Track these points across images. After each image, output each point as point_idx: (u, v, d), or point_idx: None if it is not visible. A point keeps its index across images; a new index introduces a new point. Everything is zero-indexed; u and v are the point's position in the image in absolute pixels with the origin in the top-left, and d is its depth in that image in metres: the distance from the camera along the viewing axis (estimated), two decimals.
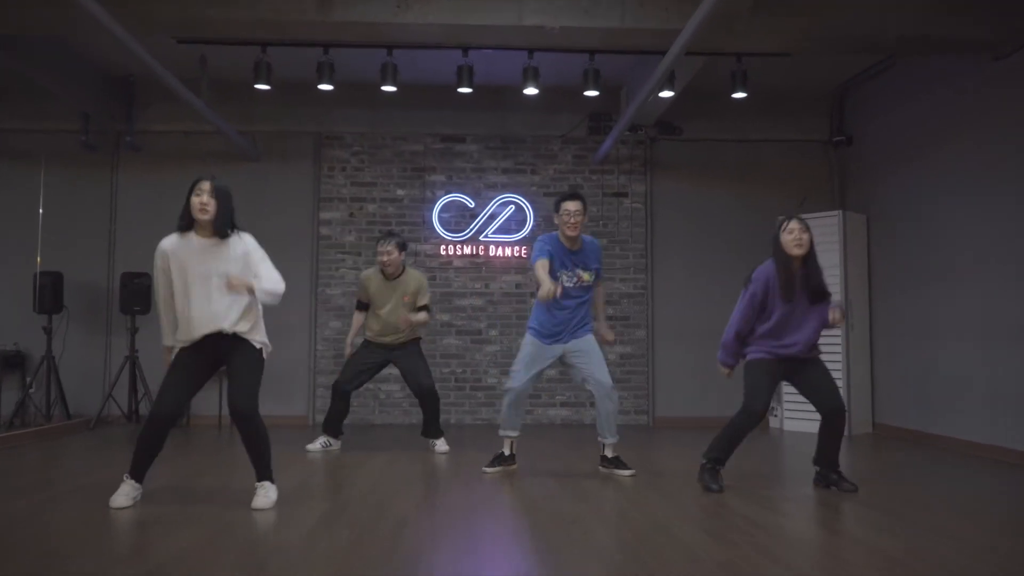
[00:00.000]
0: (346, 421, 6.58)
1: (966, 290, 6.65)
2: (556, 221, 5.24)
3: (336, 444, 6.39)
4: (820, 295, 4.73)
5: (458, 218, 8.75)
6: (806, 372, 4.80)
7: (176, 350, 4.21)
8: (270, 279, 4.18)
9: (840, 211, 8.04)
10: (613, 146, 8.36)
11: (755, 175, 8.78)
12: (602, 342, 5.32)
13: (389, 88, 6.84)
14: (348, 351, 6.47)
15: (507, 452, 5.35)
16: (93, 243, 8.53)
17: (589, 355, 5.20)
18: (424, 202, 8.76)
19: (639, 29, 5.89)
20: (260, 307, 4.29)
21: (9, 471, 5.39)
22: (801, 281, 4.68)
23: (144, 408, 8.14)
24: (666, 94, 7.11)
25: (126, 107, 8.48)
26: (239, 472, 5.10)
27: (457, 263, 8.73)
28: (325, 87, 6.89)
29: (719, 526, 3.84)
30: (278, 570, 3.06)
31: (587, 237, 5.32)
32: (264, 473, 4.24)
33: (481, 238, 8.70)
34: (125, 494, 4.14)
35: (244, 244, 4.20)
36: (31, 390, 7.89)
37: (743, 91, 6.83)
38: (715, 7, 5.12)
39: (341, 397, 6.32)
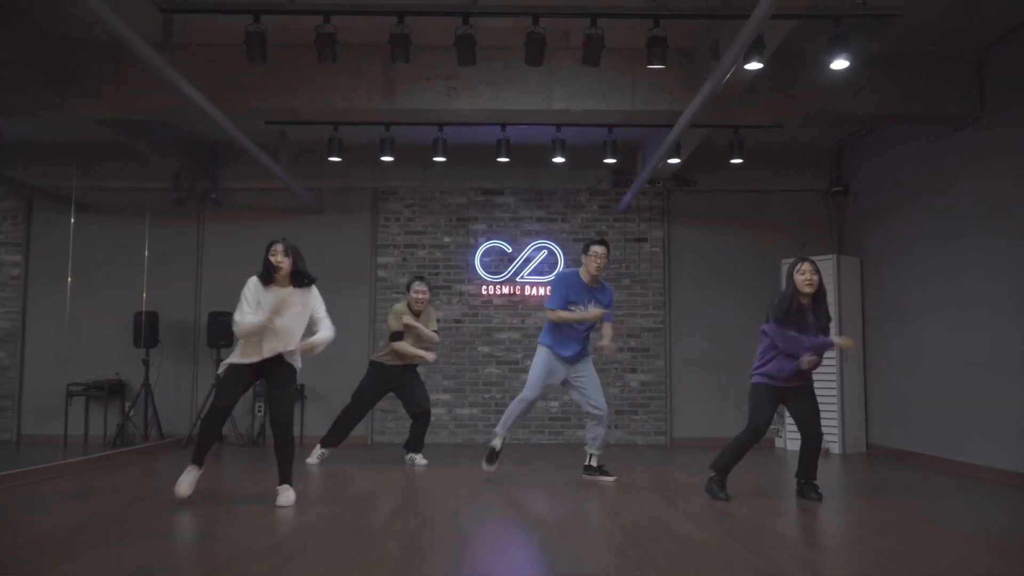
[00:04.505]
0: (387, 440, 7.75)
1: (943, 325, 7.64)
2: (584, 260, 6.32)
3: (327, 454, 7.62)
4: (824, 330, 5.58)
5: (497, 262, 9.95)
6: (801, 400, 5.68)
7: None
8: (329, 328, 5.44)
9: (835, 255, 9.09)
10: (634, 197, 9.49)
11: (761, 222, 9.84)
12: (600, 346, 6.33)
13: (440, 159, 8.08)
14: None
15: (498, 449, 6.37)
16: (183, 286, 9.85)
17: (590, 381, 6.27)
18: (467, 248, 9.97)
19: (648, 111, 7.05)
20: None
21: (133, 480, 6.64)
22: (809, 315, 5.52)
23: (227, 429, 9.40)
24: (673, 161, 8.26)
25: (211, 168, 9.82)
26: (305, 479, 6.29)
27: (496, 301, 9.91)
28: (387, 159, 8.16)
29: (699, 516, 4.93)
30: (367, 543, 4.21)
31: (605, 283, 6.46)
32: (288, 477, 5.35)
33: (518, 279, 9.89)
34: (188, 483, 5.26)
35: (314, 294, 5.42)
36: (130, 414, 9.23)
37: (740, 157, 7.99)
38: (712, 92, 6.22)
39: (351, 417, 7.63)
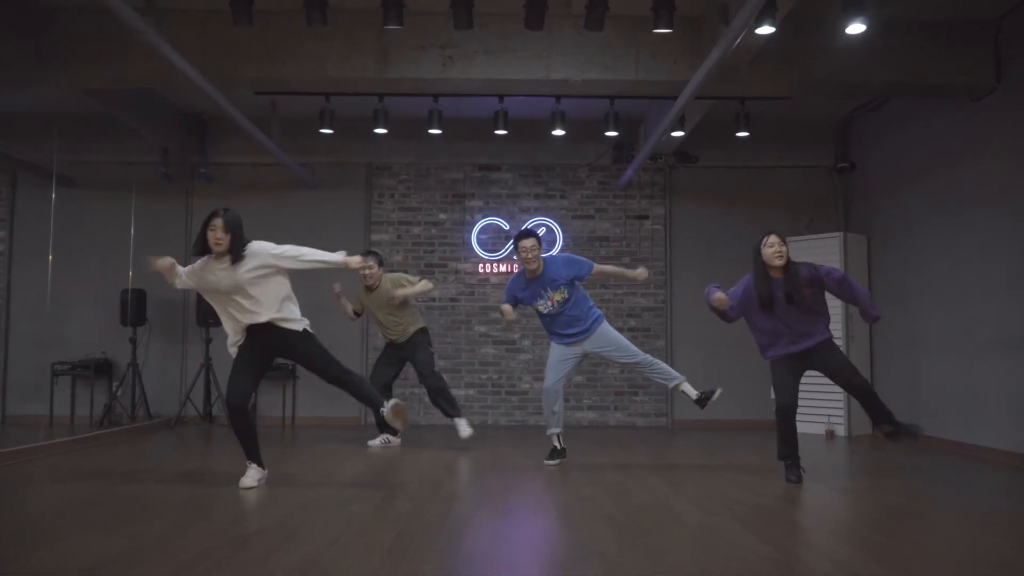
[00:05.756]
0: None
1: (951, 305, 7.43)
2: (516, 258, 6.21)
3: (396, 440, 7.32)
4: (801, 295, 5.29)
5: (494, 239, 9.70)
6: (825, 360, 5.36)
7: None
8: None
9: (841, 233, 8.85)
10: (635, 173, 9.25)
11: (765, 199, 9.59)
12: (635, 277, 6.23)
13: (435, 131, 7.80)
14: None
15: (559, 446, 6.24)
16: None
17: (611, 343, 6.10)
18: (464, 225, 9.72)
19: (652, 80, 6.78)
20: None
21: (120, 461, 6.42)
22: (783, 286, 5.28)
23: (217, 410, 9.19)
24: (677, 134, 7.99)
25: (200, 142, 9.54)
26: (295, 461, 6.07)
27: (494, 280, 9.67)
28: (380, 131, 7.88)
29: (706, 502, 4.72)
30: (359, 529, 4.00)
31: (549, 257, 6.25)
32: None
33: (515, 257, 9.60)
34: (252, 477, 5.08)
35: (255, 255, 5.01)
36: (118, 394, 9.00)
37: (746, 130, 7.71)
38: (719, 61, 5.96)
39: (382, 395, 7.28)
